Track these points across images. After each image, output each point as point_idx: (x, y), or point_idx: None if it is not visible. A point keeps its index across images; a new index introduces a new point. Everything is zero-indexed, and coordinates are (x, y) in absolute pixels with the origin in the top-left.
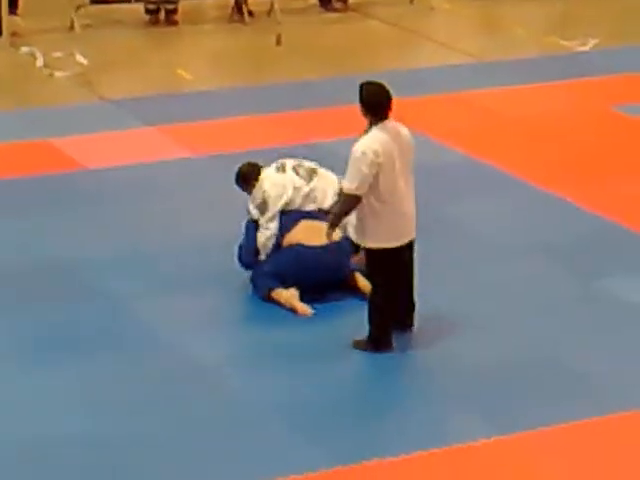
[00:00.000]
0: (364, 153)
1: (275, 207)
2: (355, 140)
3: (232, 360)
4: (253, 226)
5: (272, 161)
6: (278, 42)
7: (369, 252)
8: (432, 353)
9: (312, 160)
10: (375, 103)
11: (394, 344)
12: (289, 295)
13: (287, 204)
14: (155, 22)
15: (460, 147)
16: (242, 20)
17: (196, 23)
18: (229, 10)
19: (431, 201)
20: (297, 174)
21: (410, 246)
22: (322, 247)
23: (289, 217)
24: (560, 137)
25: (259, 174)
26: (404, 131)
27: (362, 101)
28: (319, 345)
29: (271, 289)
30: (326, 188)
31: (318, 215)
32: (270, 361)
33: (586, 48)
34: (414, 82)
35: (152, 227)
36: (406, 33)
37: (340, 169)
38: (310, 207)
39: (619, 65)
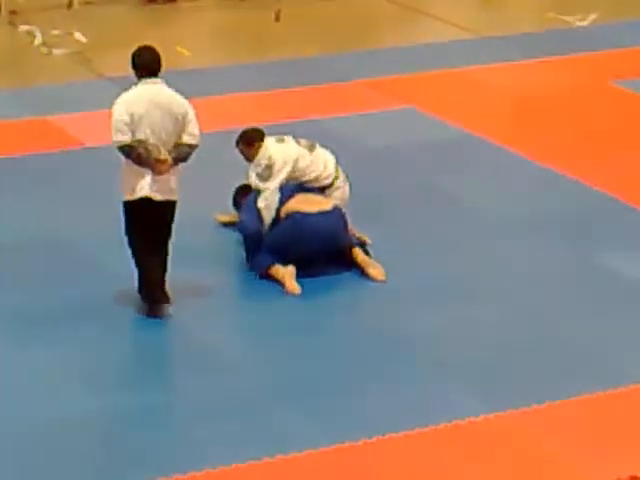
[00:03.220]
0: (116, 103)
1: (280, 174)
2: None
3: (229, 337)
4: (253, 199)
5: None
6: (277, 18)
7: (123, 206)
8: (429, 327)
9: (311, 136)
10: (136, 63)
11: (167, 300)
12: (284, 272)
13: (293, 171)
14: None
15: (458, 122)
16: None
17: (194, 0)
18: None
19: (430, 175)
20: (298, 144)
21: (162, 209)
22: (318, 213)
23: (285, 189)
24: (559, 112)
25: (262, 139)
26: (170, 97)
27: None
28: (315, 321)
29: (269, 266)
30: (327, 159)
31: (312, 188)
32: (266, 337)
33: (585, 23)
34: (413, 58)
35: None
36: (405, 9)
37: (338, 144)
38: (312, 176)
39: (618, 40)
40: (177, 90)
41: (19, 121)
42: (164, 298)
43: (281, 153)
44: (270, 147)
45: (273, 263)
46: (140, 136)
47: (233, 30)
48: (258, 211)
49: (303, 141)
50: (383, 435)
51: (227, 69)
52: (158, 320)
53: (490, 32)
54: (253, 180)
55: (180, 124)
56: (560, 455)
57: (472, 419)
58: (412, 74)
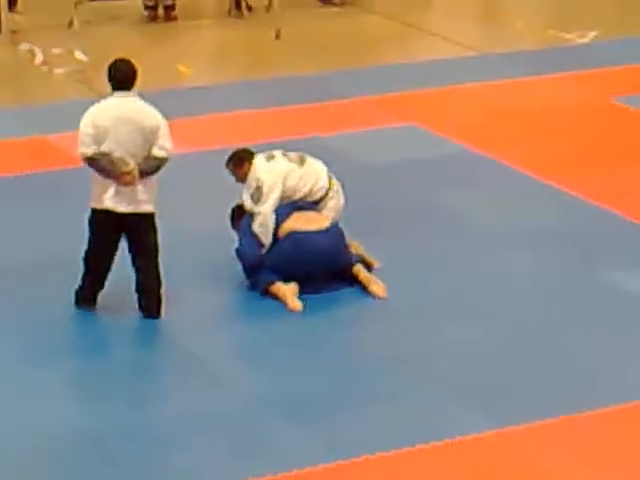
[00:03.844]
0: (84, 115)
1: (272, 194)
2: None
3: (229, 353)
4: (248, 223)
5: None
6: (277, 36)
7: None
8: (432, 342)
9: (312, 154)
10: (110, 75)
11: (93, 306)
12: (286, 289)
13: (284, 191)
14: (154, 18)
15: (460, 139)
16: (241, 15)
17: (195, 18)
18: (228, 5)
19: (431, 192)
20: (288, 160)
21: (131, 222)
22: (317, 232)
23: (281, 209)
24: (561, 129)
25: (252, 159)
26: (141, 110)
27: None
28: (316, 337)
29: (270, 283)
30: (318, 171)
31: (309, 206)
32: (266, 354)
33: (586, 40)
34: (414, 75)
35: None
36: (405, 27)
37: (340, 162)
38: (304, 191)
39: (619, 56)
40: (177, 108)
41: (20, 140)
42: (93, 303)
43: (269, 173)
44: (259, 167)
45: (274, 281)
46: (105, 148)
47: (234, 48)
48: (255, 235)
49: (293, 155)
50: (386, 451)
51: (228, 87)
52: (156, 335)
53: (491, 49)
54: (247, 203)
55: (151, 137)
56: (563, 472)
57: (474, 435)
58: (413, 91)
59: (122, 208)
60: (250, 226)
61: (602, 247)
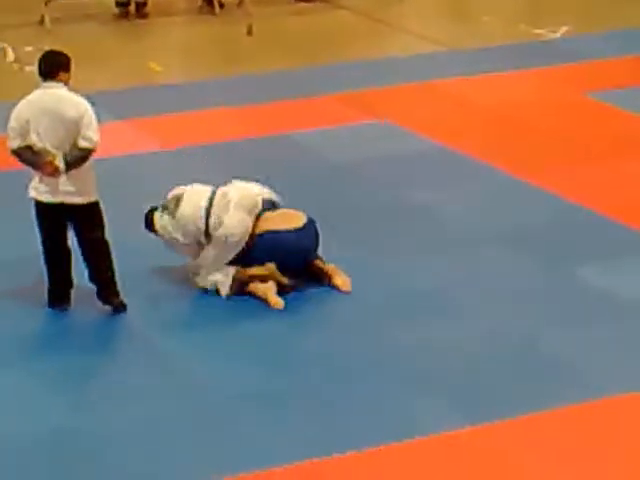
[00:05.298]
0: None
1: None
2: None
3: (202, 353)
4: None
5: (241, 154)
6: (249, 33)
7: None
8: (404, 341)
9: (282, 151)
10: (38, 67)
11: (66, 305)
12: (265, 287)
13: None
14: (125, 15)
15: (431, 135)
16: (212, 11)
17: (167, 15)
18: (199, 2)
19: (402, 189)
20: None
21: (65, 213)
22: (292, 230)
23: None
24: (532, 124)
25: (154, 212)
26: (61, 101)
27: None
28: (290, 336)
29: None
30: (194, 202)
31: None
32: (240, 353)
33: (557, 35)
34: (384, 71)
35: (123, 221)
36: (376, 23)
37: (310, 159)
38: (203, 219)
39: (590, 51)
40: (149, 106)
41: None
42: (65, 301)
43: (166, 227)
44: (161, 229)
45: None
46: (29, 141)
47: (205, 45)
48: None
49: (170, 197)
50: (358, 450)
51: (199, 84)
52: (135, 340)
53: (462, 45)
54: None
55: (73, 128)
56: (539, 468)
57: (447, 433)
58: (385, 87)
59: (51, 198)
60: None
61: (571, 241)
